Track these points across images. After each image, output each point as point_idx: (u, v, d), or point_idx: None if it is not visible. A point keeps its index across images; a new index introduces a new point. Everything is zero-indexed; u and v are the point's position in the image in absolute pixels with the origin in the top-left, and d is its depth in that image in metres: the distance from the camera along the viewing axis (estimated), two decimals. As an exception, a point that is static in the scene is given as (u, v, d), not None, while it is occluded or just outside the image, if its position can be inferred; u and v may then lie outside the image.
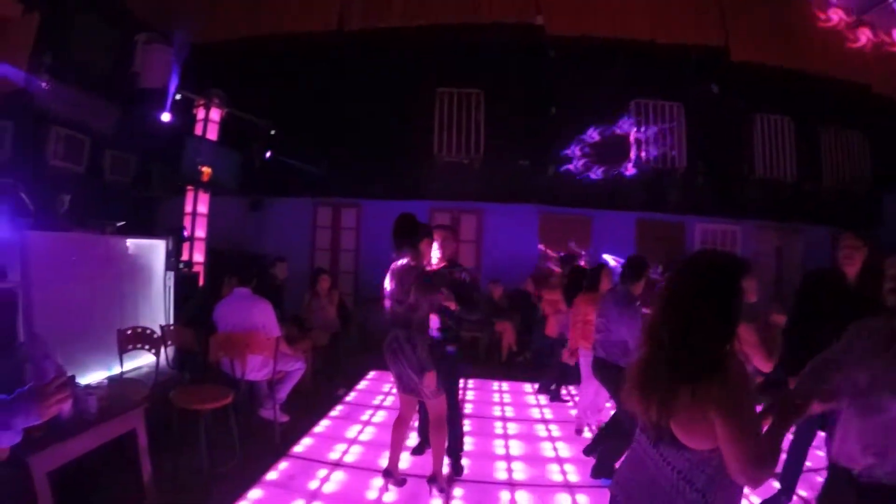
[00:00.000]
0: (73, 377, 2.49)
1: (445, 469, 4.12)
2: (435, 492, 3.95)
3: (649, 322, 1.79)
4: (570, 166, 10.66)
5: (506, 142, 10.85)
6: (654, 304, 1.80)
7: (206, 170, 8.98)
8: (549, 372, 6.78)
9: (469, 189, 10.72)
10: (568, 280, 6.30)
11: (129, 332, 4.59)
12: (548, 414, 6.19)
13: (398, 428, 4.04)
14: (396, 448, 4.04)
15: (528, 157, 10.85)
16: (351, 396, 6.48)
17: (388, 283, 3.84)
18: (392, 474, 4.01)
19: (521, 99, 10.89)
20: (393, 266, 3.87)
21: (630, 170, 10.74)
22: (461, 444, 4.55)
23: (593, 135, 10.65)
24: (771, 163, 11.13)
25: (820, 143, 11.28)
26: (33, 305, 4.72)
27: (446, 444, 4.01)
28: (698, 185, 10.97)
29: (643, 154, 10.81)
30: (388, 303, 3.85)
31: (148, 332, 4.67)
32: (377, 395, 6.58)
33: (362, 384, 7.09)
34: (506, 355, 8.92)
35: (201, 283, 8.41)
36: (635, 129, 10.85)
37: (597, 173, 10.61)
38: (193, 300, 6.64)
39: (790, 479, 3.83)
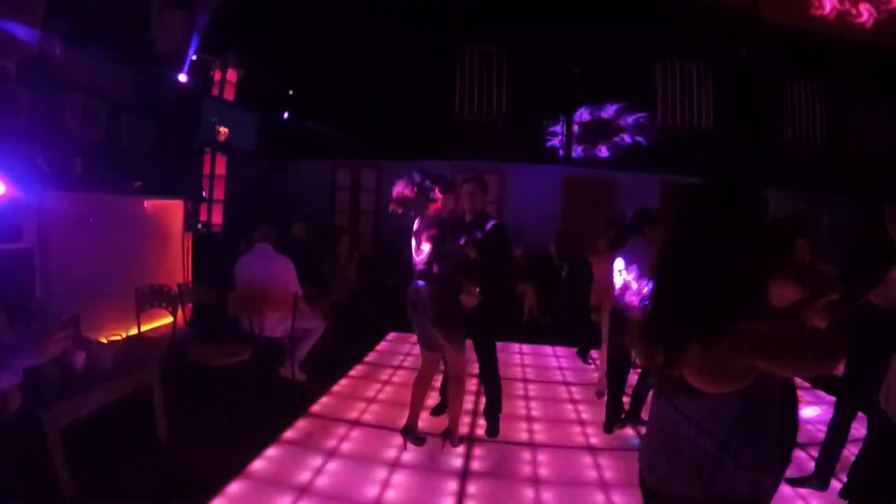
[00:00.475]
0: (76, 317, 2.42)
1: (463, 428, 4.07)
2: (448, 447, 3.91)
3: (656, 262, 1.60)
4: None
5: (528, 102, 10.58)
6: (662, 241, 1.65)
7: (224, 130, 8.87)
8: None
9: (491, 149, 10.50)
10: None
11: (146, 290, 4.55)
12: (570, 377, 6.10)
13: (419, 385, 3.97)
14: (416, 405, 3.97)
15: (551, 117, 10.58)
16: (370, 357, 6.45)
17: (414, 236, 3.79)
18: (411, 431, 3.94)
19: (543, 59, 10.55)
20: (421, 219, 3.80)
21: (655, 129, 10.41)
22: (499, 404, 4.43)
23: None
24: (799, 130, 10.71)
25: (850, 111, 10.76)
26: (51, 266, 4.69)
27: (463, 403, 3.96)
28: (725, 149, 10.63)
29: (669, 116, 10.49)
30: (415, 255, 3.78)
31: (165, 289, 4.63)
32: (396, 356, 6.54)
33: (381, 345, 7.05)
34: (527, 318, 8.81)
35: (219, 241, 8.37)
36: (661, 91, 10.52)
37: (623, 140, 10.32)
38: (211, 257, 6.60)
39: (828, 460, 3.51)
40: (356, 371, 5.84)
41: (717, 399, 1.46)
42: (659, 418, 1.65)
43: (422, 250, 3.70)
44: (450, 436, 3.93)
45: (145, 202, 6.27)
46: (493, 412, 4.37)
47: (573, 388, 5.65)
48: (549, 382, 5.88)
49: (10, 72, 6.20)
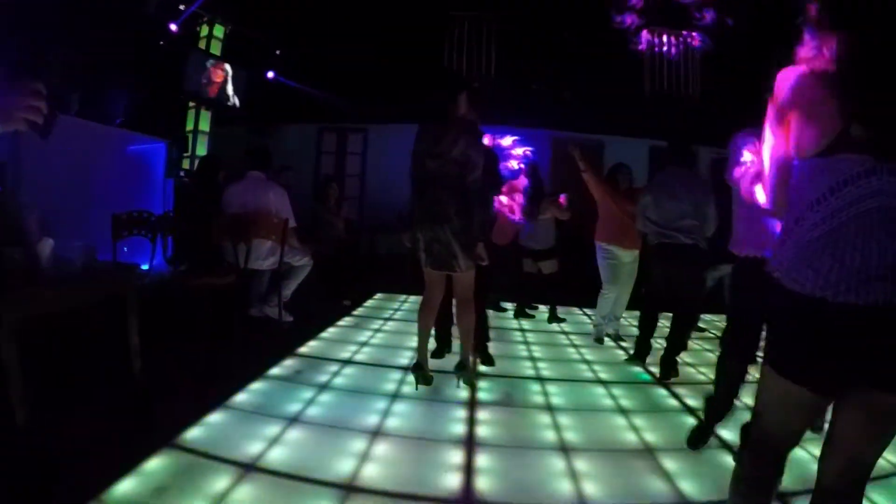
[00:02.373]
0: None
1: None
2: (461, 384, 3.59)
3: None
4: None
5: (518, 66, 10.38)
6: None
7: (219, 78, 8.48)
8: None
9: (480, 115, 10.17)
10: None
11: (124, 217, 4.15)
12: (566, 327, 5.87)
13: (425, 313, 3.61)
14: (424, 337, 3.61)
15: (540, 81, 10.35)
16: (358, 311, 6.14)
17: (423, 146, 3.36)
18: (423, 368, 3.56)
19: (534, 23, 10.32)
20: (425, 126, 3.41)
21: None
22: (486, 333, 4.24)
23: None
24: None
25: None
26: (22, 183, 4.30)
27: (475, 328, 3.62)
28: (712, 116, 10.50)
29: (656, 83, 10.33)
30: (427, 163, 3.35)
31: (145, 216, 4.24)
32: (386, 311, 6.23)
33: (369, 302, 6.74)
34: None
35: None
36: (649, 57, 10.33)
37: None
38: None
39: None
40: (344, 322, 5.52)
41: None
42: None
43: (446, 153, 3.29)
44: (465, 369, 3.59)
45: (127, 142, 5.88)
46: (482, 342, 4.15)
47: (572, 337, 5.42)
48: (547, 332, 5.63)
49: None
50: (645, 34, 9.66)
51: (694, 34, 10.03)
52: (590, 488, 2.39)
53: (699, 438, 2.82)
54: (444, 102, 3.33)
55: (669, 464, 2.66)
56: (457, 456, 2.64)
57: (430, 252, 3.40)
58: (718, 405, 2.86)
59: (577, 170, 4.90)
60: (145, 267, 3.80)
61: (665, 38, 9.92)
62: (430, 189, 3.31)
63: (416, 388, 3.52)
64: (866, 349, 1.26)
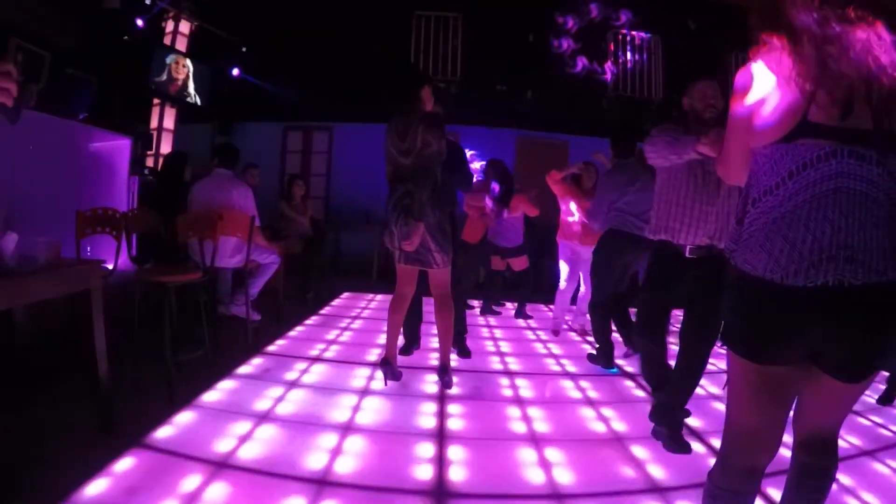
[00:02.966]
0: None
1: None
2: (443, 386, 3.56)
3: None
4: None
5: (484, 66, 10.41)
6: None
7: (181, 74, 8.31)
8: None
9: (445, 112, 10.19)
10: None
11: (88, 214, 4.02)
12: (533, 323, 5.95)
13: (396, 308, 3.57)
14: (394, 332, 3.59)
15: (505, 81, 10.46)
16: (325, 310, 6.10)
17: (390, 143, 3.36)
18: (391, 363, 3.55)
19: (499, 24, 10.39)
20: (392, 122, 3.40)
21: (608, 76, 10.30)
22: (464, 324, 4.30)
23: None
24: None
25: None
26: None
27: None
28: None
29: (619, 83, 10.53)
30: (397, 160, 3.34)
31: (110, 213, 4.11)
32: (354, 309, 6.21)
33: (336, 301, 6.70)
34: (482, 276, 8.61)
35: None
36: (611, 59, 10.51)
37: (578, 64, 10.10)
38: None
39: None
40: (312, 321, 5.48)
41: None
42: None
43: (410, 149, 3.30)
44: (446, 373, 3.56)
45: (91, 138, 5.72)
46: (459, 333, 4.20)
47: (538, 332, 5.50)
48: (512, 327, 5.70)
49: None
50: (581, 59, 9.86)
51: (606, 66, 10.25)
52: (562, 476, 2.45)
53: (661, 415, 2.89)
54: (408, 98, 3.34)
55: (639, 451, 2.74)
56: (428, 449, 2.67)
57: (399, 248, 3.37)
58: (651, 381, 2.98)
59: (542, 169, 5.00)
60: (110, 266, 3.70)
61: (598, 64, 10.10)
62: (401, 184, 3.29)
63: (385, 385, 3.53)
64: (815, 332, 1.31)
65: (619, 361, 4.32)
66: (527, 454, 2.66)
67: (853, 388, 1.41)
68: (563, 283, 5.18)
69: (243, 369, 3.76)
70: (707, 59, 10.57)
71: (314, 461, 2.47)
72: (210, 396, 3.23)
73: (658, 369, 2.94)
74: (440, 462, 2.53)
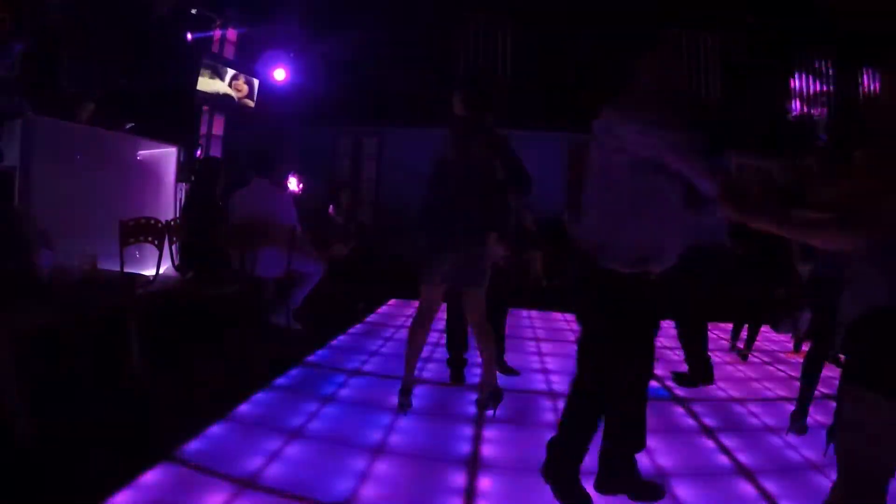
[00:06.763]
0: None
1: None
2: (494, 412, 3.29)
3: None
4: None
5: (534, 69, 10.28)
6: None
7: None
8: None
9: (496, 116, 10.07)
10: None
11: (131, 224, 4.08)
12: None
13: (418, 332, 3.31)
14: (413, 357, 3.34)
15: (557, 85, 10.24)
16: (371, 318, 6.06)
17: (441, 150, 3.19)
18: (409, 392, 3.30)
19: (550, 25, 10.23)
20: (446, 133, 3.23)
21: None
22: (502, 344, 4.15)
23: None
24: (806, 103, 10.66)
25: (860, 86, 10.56)
26: (31, 191, 4.30)
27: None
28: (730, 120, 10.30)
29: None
30: (442, 171, 3.17)
31: (153, 222, 4.17)
32: (399, 318, 6.14)
33: (382, 309, 6.66)
34: (533, 285, 8.42)
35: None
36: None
37: None
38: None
39: (800, 404, 3.30)
40: (356, 329, 5.44)
41: None
42: None
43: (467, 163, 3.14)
44: (495, 398, 3.29)
45: (138, 148, 5.86)
46: (499, 355, 4.02)
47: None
48: (562, 341, 5.50)
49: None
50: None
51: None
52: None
53: None
54: (452, 105, 3.20)
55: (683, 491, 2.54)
56: (460, 479, 2.53)
57: (439, 265, 3.15)
58: None
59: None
60: (151, 274, 3.73)
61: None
62: (444, 199, 3.14)
63: (405, 413, 3.28)
64: None
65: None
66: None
67: None
68: None
69: (281, 381, 3.72)
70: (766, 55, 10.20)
71: (340, 486, 2.38)
72: (244, 409, 3.19)
73: None
74: (469, 496, 2.39)
